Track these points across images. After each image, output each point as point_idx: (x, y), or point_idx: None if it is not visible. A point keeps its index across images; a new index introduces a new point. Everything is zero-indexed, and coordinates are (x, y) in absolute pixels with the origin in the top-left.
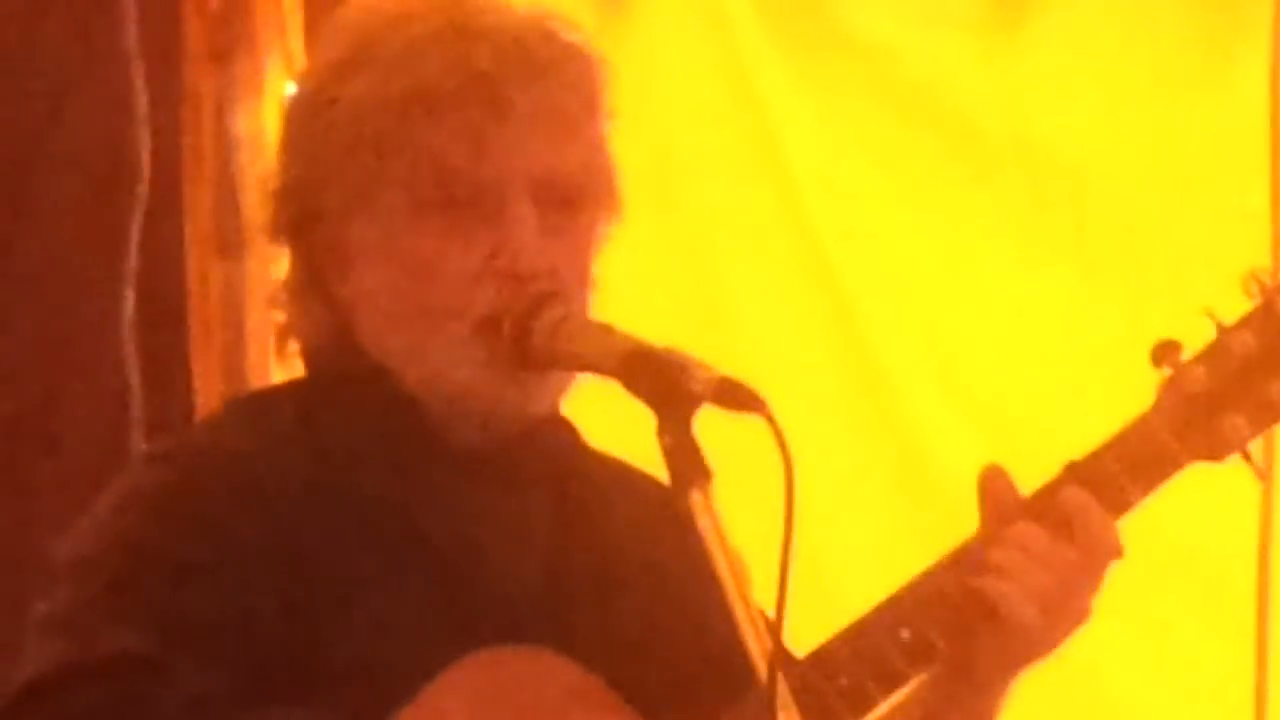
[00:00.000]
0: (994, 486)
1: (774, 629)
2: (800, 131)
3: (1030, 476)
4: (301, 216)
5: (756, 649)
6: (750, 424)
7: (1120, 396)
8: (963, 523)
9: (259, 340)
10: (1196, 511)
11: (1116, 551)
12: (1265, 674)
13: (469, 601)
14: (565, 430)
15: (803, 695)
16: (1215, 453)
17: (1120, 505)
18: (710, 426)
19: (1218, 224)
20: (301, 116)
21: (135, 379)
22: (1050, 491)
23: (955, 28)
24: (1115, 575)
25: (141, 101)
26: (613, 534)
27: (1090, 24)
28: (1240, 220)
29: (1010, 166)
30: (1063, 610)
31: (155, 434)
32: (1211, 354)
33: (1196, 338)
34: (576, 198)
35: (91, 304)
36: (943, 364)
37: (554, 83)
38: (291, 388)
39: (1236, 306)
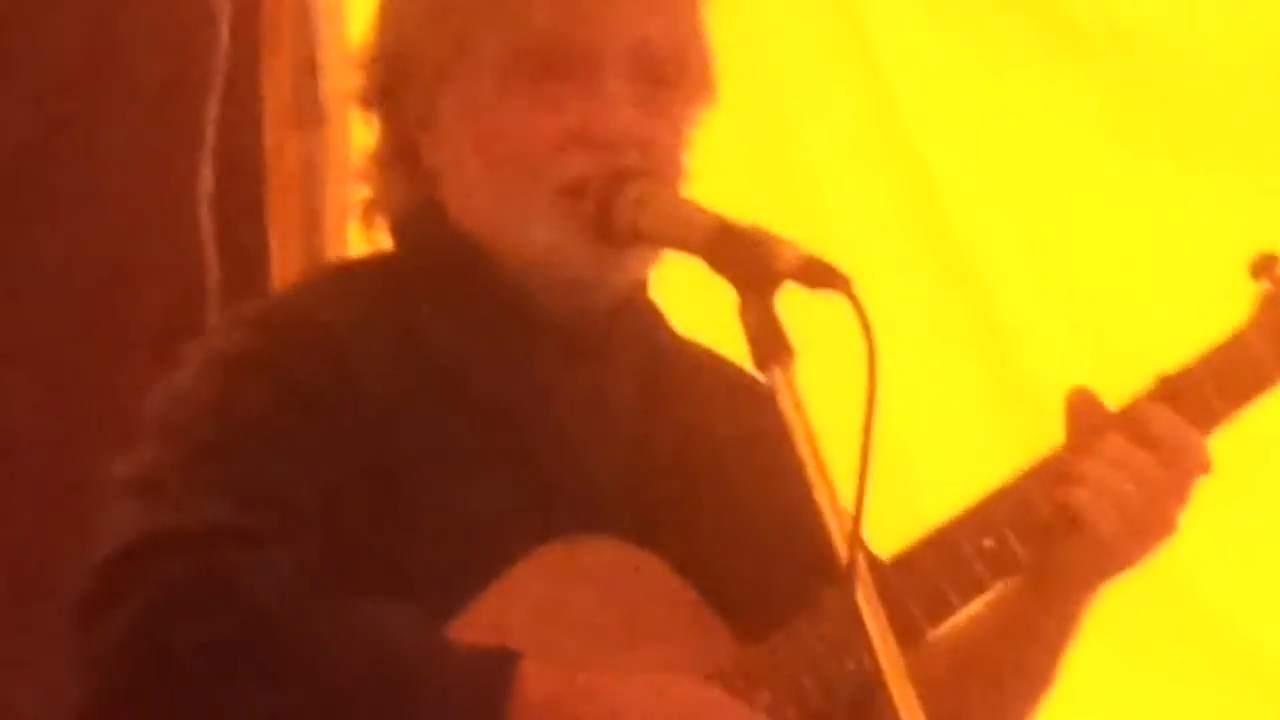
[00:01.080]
0: (1081, 405)
1: (853, 515)
2: (890, 15)
3: (1121, 374)
4: (393, 83)
5: (837, 532)
6: (835, 307)
7: (1217, 291)
8: (1050, 416)
9: (336, 213)
10: None
11: (1204, 467)
12: None
13: (551, 482)
14: (651, 311)
15: (882, 599)
16: None
17: (1212, 419)
18: (796, 311)
19: None
20: None
21: (212, 252)
22: (1140, 404)
23: None
24: (1207, 486)
25: None
26: (697, 420)
27: None
28: None
29: (1104, 53)
30: (1147, 523)
31: (231, 307)
32: None
33: None
34: (672, 74)
35: (169, 177)
36: (1033, 255)
37: None
38: (379, 260)
39: None
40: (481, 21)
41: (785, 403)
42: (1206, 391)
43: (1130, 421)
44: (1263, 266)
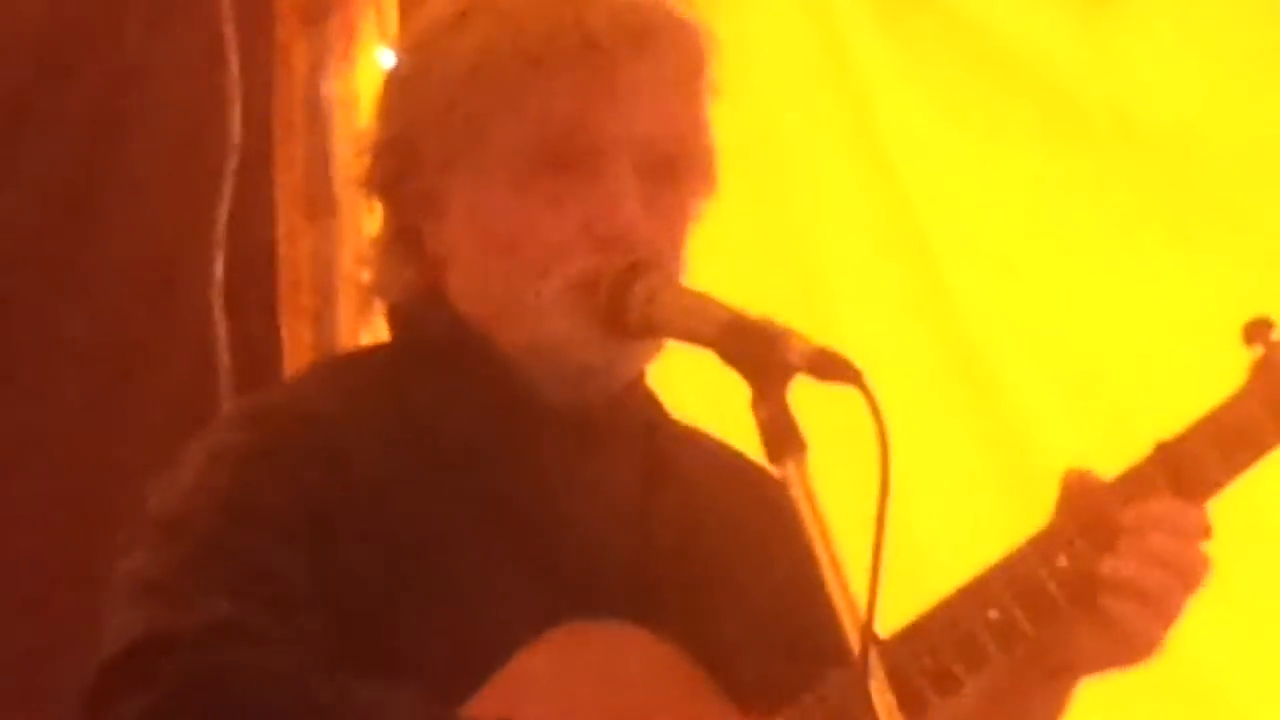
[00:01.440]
0: (1078, 485)
1: (867, 606)
2: (898, 103)
3: (1127, 455)
4: (400, 170)
5: (849, 623)
6: (846, 397)
7: (1219, 373)
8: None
9: (347, 302)
10: None
11: (1205, 534)
12: None
13: (554, 570)
14: (649, 398)
15: (889, 675)
16: None
17: (1210, 487)
18: (806, 401)
19: None
20: (408, 69)
21: (224, 340)
22: (1139, 472)
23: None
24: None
25: (233, 62)
26: (698, 505)
27: None
28: None
29: (1108, 139)
30: (1167, 612)
31: (243, 396)
32: None
33: None
34: (677, 170)
35: (182, 265)
36: (1039, 339)
37: (663, 52)
38: (378, 349)
39: None
40: (492, 114)
41: (798, 496)
42: (1205, 457)
43: (1132, 491)
44: (1256, 331)
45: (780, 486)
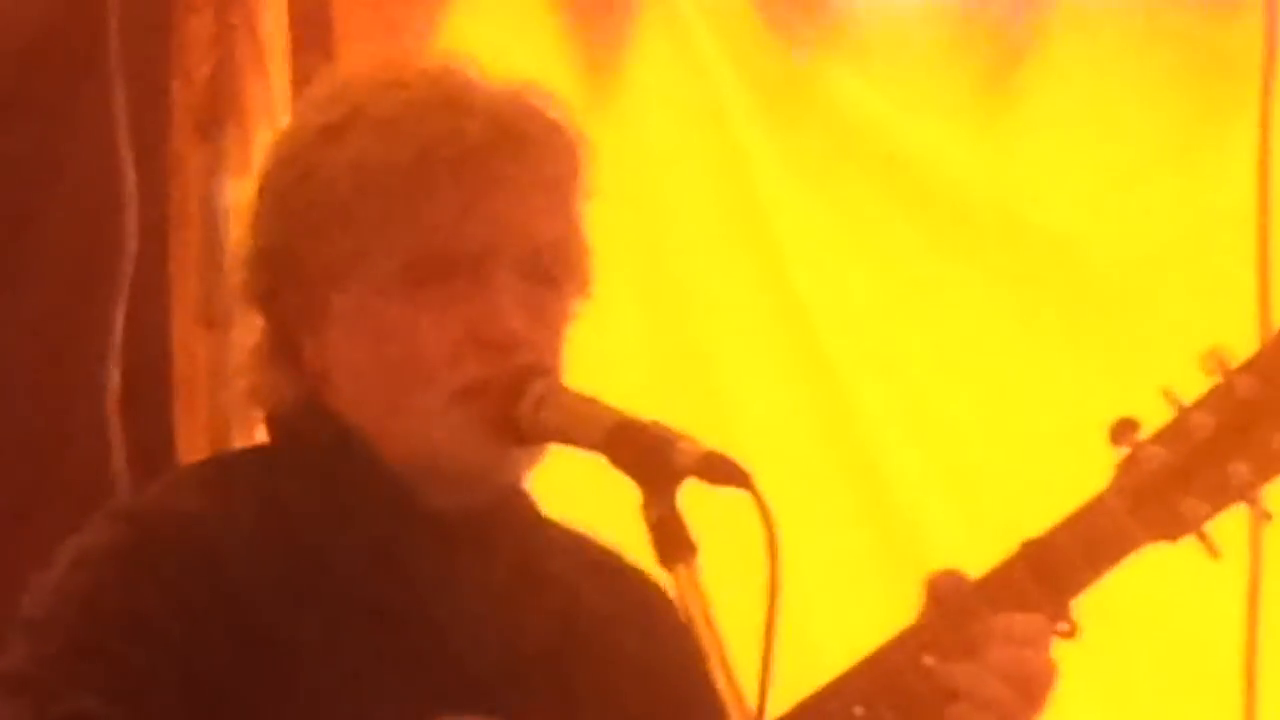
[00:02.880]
0: (945, 583)
1: (757, 709)
2: (788, 209)
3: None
4: (277, 282)
5: None
6: (735, 500)
7: (1102, 473)
8: None
9: (243, 413)
10: (1183, 594)
11: (1069, 635)
12: None
13: (425, 672)
14: (524, 501)
15: None
16: (1172, 533)
17: (1076, 586)
18: (696, 503)
19: (1205, 302)
20: (282, 180)
21: (120, 451)
22: (1005, 570)
23: (944, 106)
24: (1102, 660)
25: (128, 172)
26: (574, 609)
27: (1078, 103)
28: (1227, 298)
29: (999, 245)
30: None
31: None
32: (1170, 434)
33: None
34: (556, 273)
35: (76, 375)
36: (930, 442)
37: (540, 157)
38: (254, 451)
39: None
40: (371, 224)
41: (688, 599)
42: (1070, 556)
43: (996, 593)
44: (1122, 432)
45: (663, 592)
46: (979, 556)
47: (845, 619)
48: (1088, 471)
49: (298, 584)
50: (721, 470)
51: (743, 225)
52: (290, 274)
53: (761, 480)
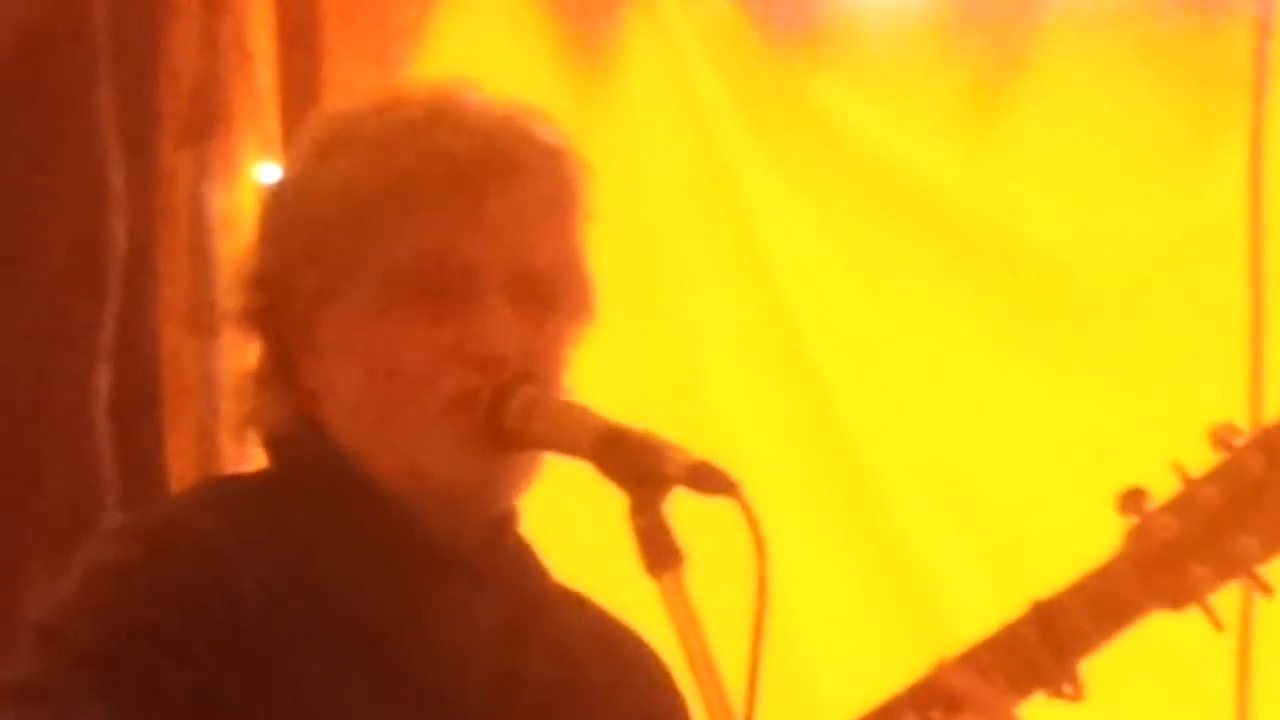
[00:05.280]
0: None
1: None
2: (779, 225)
3: (1008, 568)
4: (273, 303)
5: None
6: (725, 510)
7: (1101, 491)
8: (938, 615)
9: (231, 419)
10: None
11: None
12: None
13: (422, 697)
14: (523, 544)
15: None
16: (1177, 602)
17: (1083, 648)
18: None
19: (1196, 315)
20: (278, 201)
21: (109, 457)
22: (1013, 631)
23: (936, 119)
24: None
25: (117, 180)
26: (564, 654)
27: (1070, 117)
28: (1218, 311)
29: (990, 260)
30: None
31: (127, 510)
32: (1178, 505)
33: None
34: (551, 295)
35: (66, 382)
36: (921, 457)
37: (531, 181)
38: (258, 475)
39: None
40: (363, 245)
41: (675, 609)
42: (1079, 617)
43: (997, 651)
44: (1129, 502)
45: (659, 660)
46: (966, 568)
47: (834, 633)
48: (1074, 482)
49: (299, 607)
50: (710, 480)
51: (730, 234)
52: (284, 295)
53: (752, 494)
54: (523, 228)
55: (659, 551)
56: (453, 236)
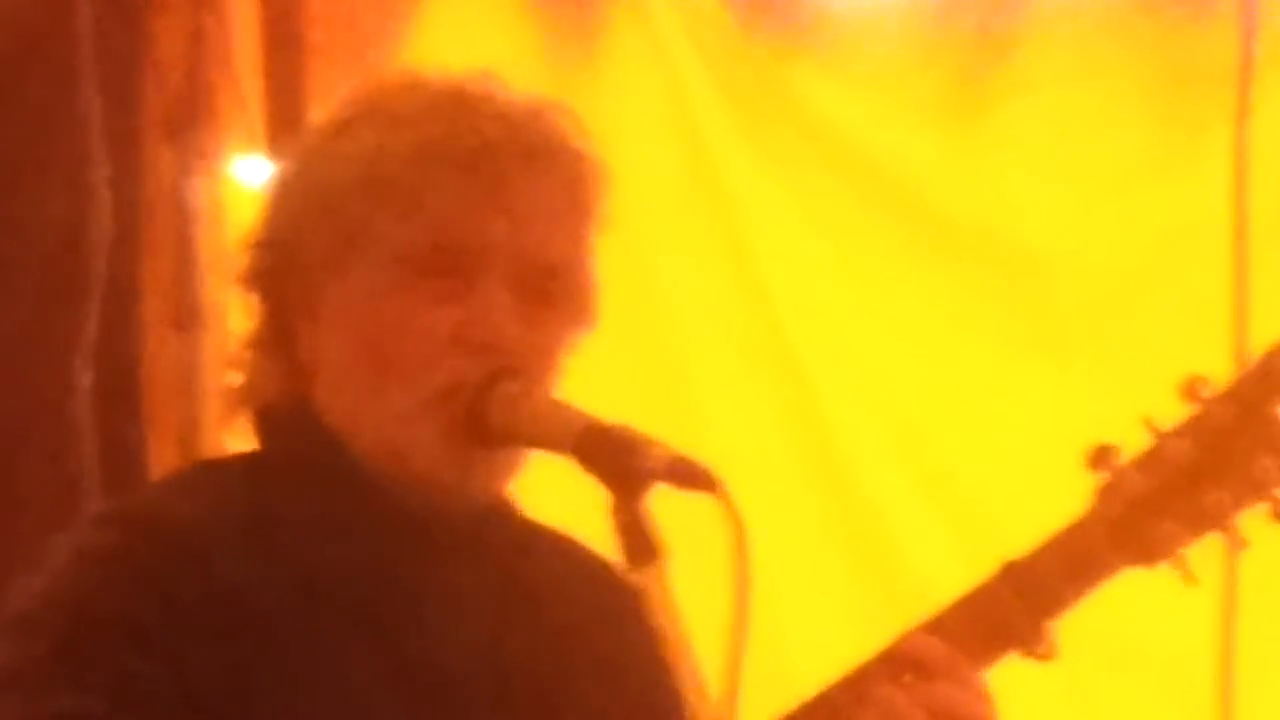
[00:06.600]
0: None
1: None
2: (763, 218)
3: (985, 560)
4: (279, 267)
5: None
6: (707, 505)
7: (1079, 484)
8: (922, 609)
9: (214, 414)
10: (1156, 612)
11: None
12: None
13: (412, 678)
14: (511, 509)
15: None
16: (1149, 558)
17: (1056, 606)
18: (667, 508)
19: (1180, 313)
20: (295, 171)
21: (91, 451)
22: (986, 590)
23: (919, 114)
24: (1077, 677)
25: (101, 174)
26: (558, 614)
27: (1054, 112)
28: (1202, 309)
29: (974, 254)
30: None
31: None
32: (1148, 460)
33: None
34: (553, 290)
35: (48, 376)
36: (904, 450)
37: (554, 174)
38: (242, 457)
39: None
40: (374, 216)
41: (657, 603)
42: (1051, 577)
43: (968, 613)
44: (1100, 457)
45: (640, 595)
46: (951, 564)
47: (815, 627)
48: (1060, 479)
49: (286, 590)
50: (692, 475)
51: (714, 229)
52: (291, 259)
53: (735, 489)
54: (540, 217)
55: (640, 546)
56: (468, 213)
